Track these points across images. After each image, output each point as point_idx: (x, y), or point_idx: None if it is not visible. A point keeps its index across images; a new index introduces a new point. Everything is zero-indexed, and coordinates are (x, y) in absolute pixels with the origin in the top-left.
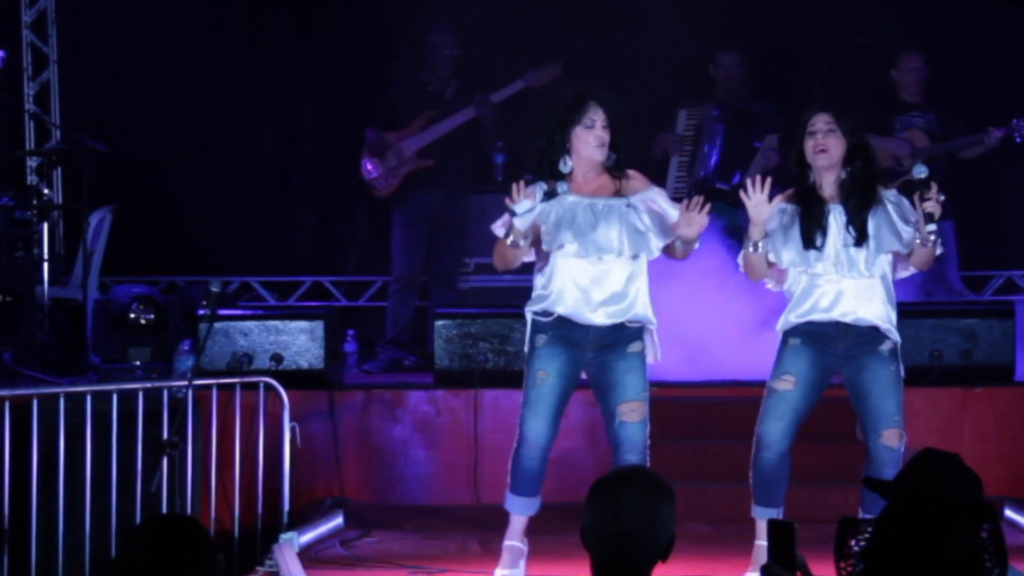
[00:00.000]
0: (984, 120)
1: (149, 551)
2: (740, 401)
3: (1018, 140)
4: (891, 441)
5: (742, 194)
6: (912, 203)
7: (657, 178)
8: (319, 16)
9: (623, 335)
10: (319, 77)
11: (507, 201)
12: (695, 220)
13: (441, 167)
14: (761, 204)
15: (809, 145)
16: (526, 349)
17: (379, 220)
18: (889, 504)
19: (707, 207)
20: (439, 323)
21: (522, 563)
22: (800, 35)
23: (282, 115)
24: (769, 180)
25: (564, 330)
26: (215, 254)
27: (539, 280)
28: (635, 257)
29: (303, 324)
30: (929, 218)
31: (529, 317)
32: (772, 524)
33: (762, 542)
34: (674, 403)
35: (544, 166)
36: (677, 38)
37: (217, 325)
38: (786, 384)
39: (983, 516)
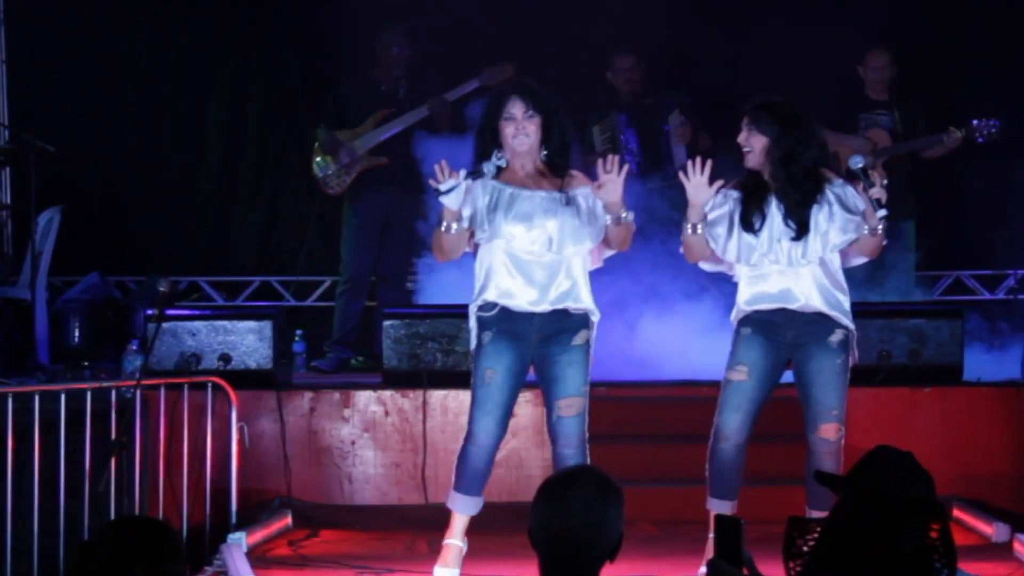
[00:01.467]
0: (948, 120)
1: (115, 550)
2: (689, 401)
3: (979, 140)
4: (828, 434)
5: (681, 175)
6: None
7: None
8: (265, 14)
9: (567, 324)
10: (266, 76)
11: (431, 182)
12: (612, 181)
13: (393, 166)
14: (700, 186)
15: (740, 138)
16: (472, 347)
17: (327, 220)
18: (839, 503)
19: (625, 167)
20: (387, 323)
21: (460, 560)
22: (767, 31)
23: (230, 114)
24: (709, 163)
25: (508, 323)
26: (163, 254)
27: (479, 273)
28: (572, 248)
29: (251, 324)
30: (877, 203)
31: (473, 314)
32: (719, 519)
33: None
34: (623, 403)
35: (481, 158)
36: (632, 37)
37: (165, 325)
38: (740, 375)
39: (933, 516)
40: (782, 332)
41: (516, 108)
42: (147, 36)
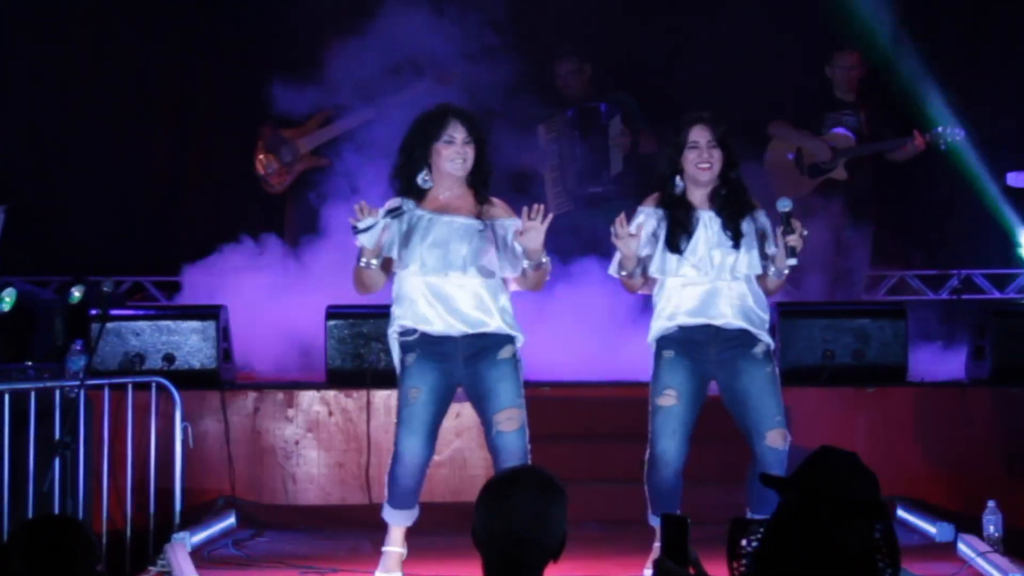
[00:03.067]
0: (912, 123)
1: (29, 550)
2: (631, 401)
3: (942, 147)
4: (776, 442)
5: (613, 235)
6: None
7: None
8: (209, 15)
9: (490, 342)
10: (210, 75)
11: (350, 220)
12: (535, 228)
13: (341, 165)
14: (628, 240)
15: (691, 158)
16: (397, 368)
17: (272, 218)
18: (783, 503)
19: (549, 217)
20: (331, 323)
21: (400, 565)
22: (731, 28)
23: (173, 114)
24: (634, 221)
25: (431, 346)
26: (107, 254)
27: (395, 296)
28: (488, 275)
29: (195, 324)
30: (791, 252)
31: (394, 339)
32: (665, 518)
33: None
34: (566, 403)
35: (403, 181)
36: (578, 38)
37: (109, 325)
38: (670, 399)
39: (876, 516)
40: (705, 350)
41: (458, 132)
42: (92, 36)
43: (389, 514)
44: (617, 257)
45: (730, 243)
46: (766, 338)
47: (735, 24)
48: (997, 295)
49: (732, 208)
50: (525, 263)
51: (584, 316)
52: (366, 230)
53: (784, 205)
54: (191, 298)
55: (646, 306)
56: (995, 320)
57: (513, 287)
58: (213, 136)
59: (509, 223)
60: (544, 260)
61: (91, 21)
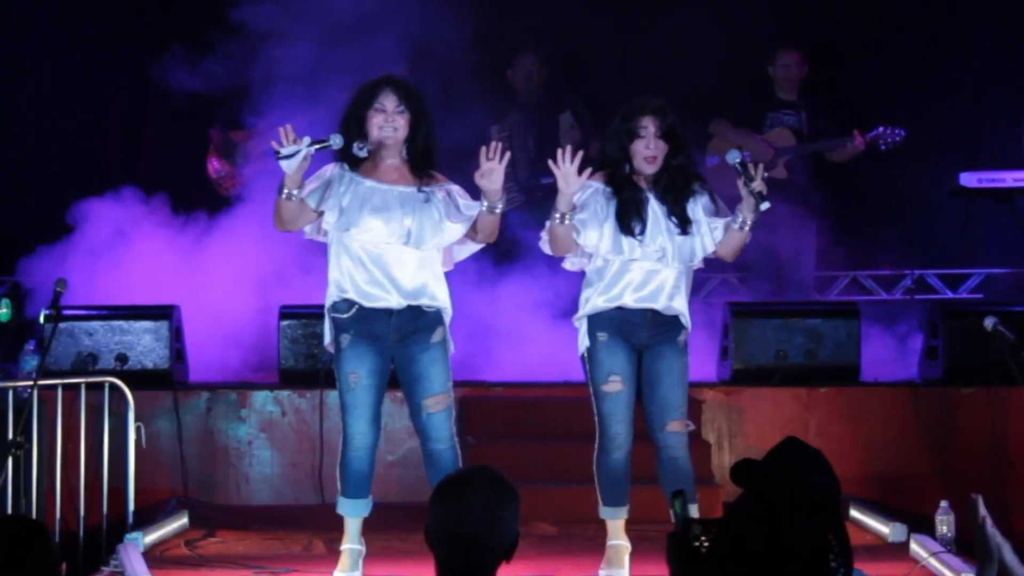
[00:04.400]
0: (854, 123)
1: None
2: (583, 401)
3: (882, 148)
4: (677, 428)
5: (551, 163)
6: (739, 187)
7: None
8: (160, 15)
9: (422, 323)
10: (163, 76)
11: (272, 143)
12: (494, 168)
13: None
14: (570, 176)
15: (639, 147)
16: (331, 349)
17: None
18: (737, 502)
19: (507, 156)
20: (284, 323)
21: (360, 563)
22: (676, 29)
23: (127, 115)
24: (580, 153)
25: (365, 324)
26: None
27: (333, 264)
28: (430, 243)
29: (148, 324)
30: (760, 197)
31: (328, 314)
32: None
33: (615, 542)
34: (517, 403)
35: (344, 149)
36: (533, 38)
37: (62, 325)
38: (616, 385)
39: (829, 517)
40: (638, 333)
41: (388, 100)
42: (49, 37)
43: (344, 506)
44: (553, 218)
45: (677, 229)
46: (688, 324)
47: (679, 23)
48: (950, 295)
49: (675, 192)
50: (484, 204)
51: (536, 313)
52: (288, 156)
53: (734, 157)
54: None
55: None
56: (948, 320)
57: (466, 251)
58: (166, 139)
59: (448, 185)
60: (500, 205)
61: (49, 23)
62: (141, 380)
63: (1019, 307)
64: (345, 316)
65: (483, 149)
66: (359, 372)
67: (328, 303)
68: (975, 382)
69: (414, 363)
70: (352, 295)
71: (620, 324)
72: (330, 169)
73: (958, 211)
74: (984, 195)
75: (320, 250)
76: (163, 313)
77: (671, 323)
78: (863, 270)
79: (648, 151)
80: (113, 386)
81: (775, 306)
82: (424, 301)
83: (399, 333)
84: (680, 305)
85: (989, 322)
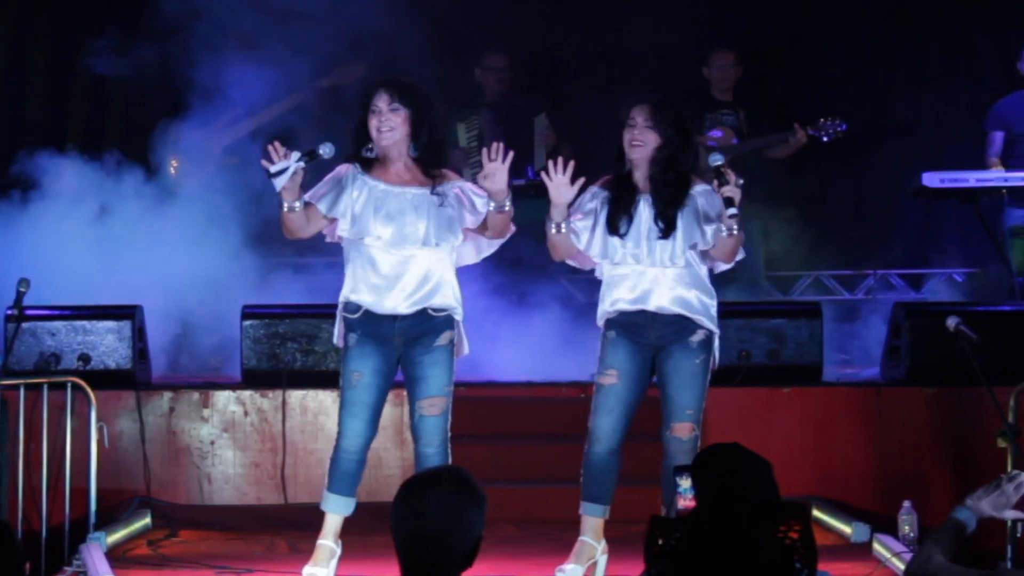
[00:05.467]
0: (792, 120)
1: None
2: (549, 401)
3: (824, 140)
4: (681, 433)
5: (543, 175)
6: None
7: None
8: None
9: (430, 326)
10: (123, 76)
11: (263, 162)
12: (499, 169)
13: (252, 163)
14: (562, 186)
15: (626, 137)
16: (338, 343)
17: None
18: (699, 502)
19: (510, 155)
20: (247, 323)
21: (333, 563)
22: (613, 32)
23: (87, 114)
24: (572, 163)
25: (372, 326)
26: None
27: (347, 269)
28: (439, 246)
29: (110, 324)
30: (729, 202)
31: (339, 312)
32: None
33: (583, 538)
34: (483, 403)
35: (356, 151)
36: (501, 38)
37: (24, 325)
38: (610, 379)
39: (794, 517)
40: (645, 333)
41: (381, 100)
42: (5, 37)
43: (327, 502)
44: (549, 227)
45: (661, 231)
46: (708, 324)
47: (621, 25)
48: (913, 295)
49: (668, 193)
50: (491, 205)
51: (503, 314)
52: (278, 173)
53: (715, 159)
54: None
55: (566, 304)
56: (910, 320)
57: (485, 249)
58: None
59: (458, 182)
60: (507, 203)
61: (6, 24)
62: (104, 380)
63: (981, 307)
64: (353, 316)
65: (484, 151)
66: (362, 371)
67: (341, 299)
68: (938, 382)
69: (415, 365)
70: (361, 298)
71: (628, 325)
72: (343, 171)
73: (921, 211)
74: (947, 195)
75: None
76: (126, 313)
77: (680, 322)
78: (825, 270)
79: (633, 138)
80: (76, 386)
81: (738, 306)
82: (432, 304)
83: (405, 336)
84: (681, 305)
85: (952, 322)
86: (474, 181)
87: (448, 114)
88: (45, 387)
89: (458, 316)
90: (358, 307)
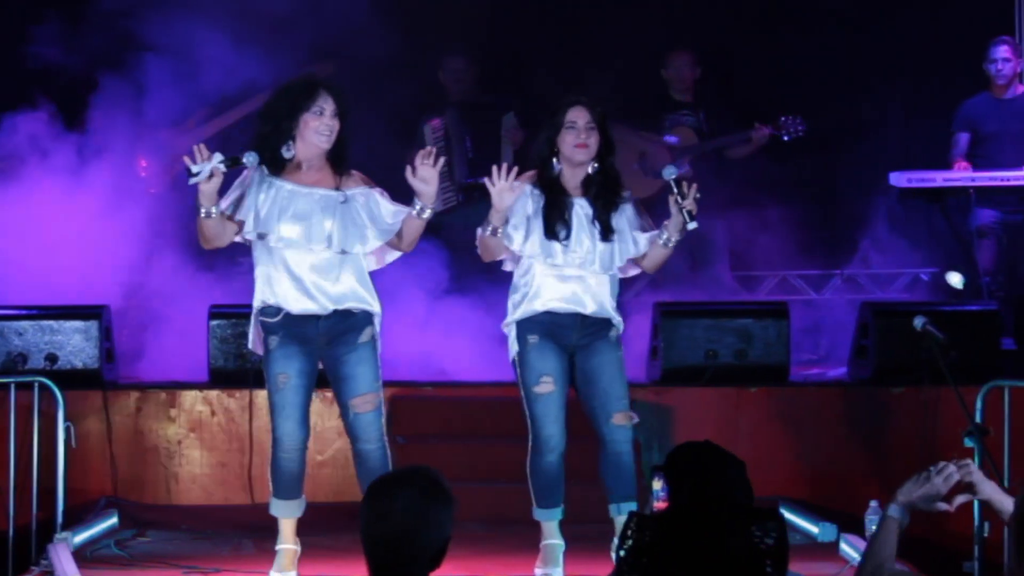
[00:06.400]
0: (752, 120)
1: None
2: (514, 401)
3: (785, 138)
4: (622, 421)
5: (486, 181)
6: (669, 203)
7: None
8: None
9: (351, 323)
10: (89, 75)
11: (185, 159)
12: (430, 171)
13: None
14: (505, 191)
15: (569, 138)
16: (256, 350)
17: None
18: (674, 500)
19: (441, 160)
20: (214, 323)
21: (295, 563)
22: (571, 33)
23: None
24: (515, 170)
25: (294, 327)
26: None
27: (258, 274)
28: (353, 247)
29: (78, 324)
30: (689, 215)
31: (255, 318)
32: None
33: (550, 541)
34: (449, 403)
35: (266, 151)
36: (465, 38)
37: None
38: (548, 386)
39: (770, 522)
40: (568, 334)
41: (328, 104)
42: None
43: (277, 507)
44: (485, 229)
45: (599, 236)
46: (619, 323)
47: (579, 27)
48: (880, 295)
49: (605, 198)
50: (416, 206)
51: (466, 313)
52: (198, 174)
53: (670, 172)
54: None
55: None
56: (877, 320)
57: (390, 257)
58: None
59: (370, 191)
60: (430, 210)
61: None
62: (71, 380)
63: (948, 307)
64: (273, 320)
65: (420, 152)
66: (288, 372)
67: (256, 306)
68: (905, 382)
69: (341, 364)
70: (279, 302)
71: (549, 327)
72: (248, 174)
73: (887, 211)
74: (914, 195)
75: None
76: (93, 313)
77: (601, 323)
78: (792, 270)
79: (579, 140)
80: (43, 386)
81: (705, 306)
82: (351, 304)
83: (328, 335)
84: (608, 308)
85: (919, 322)
86: (439, 177)
87: (415, 116)
88: (12, 387)
89: (376, 316)
90: (278, 310)
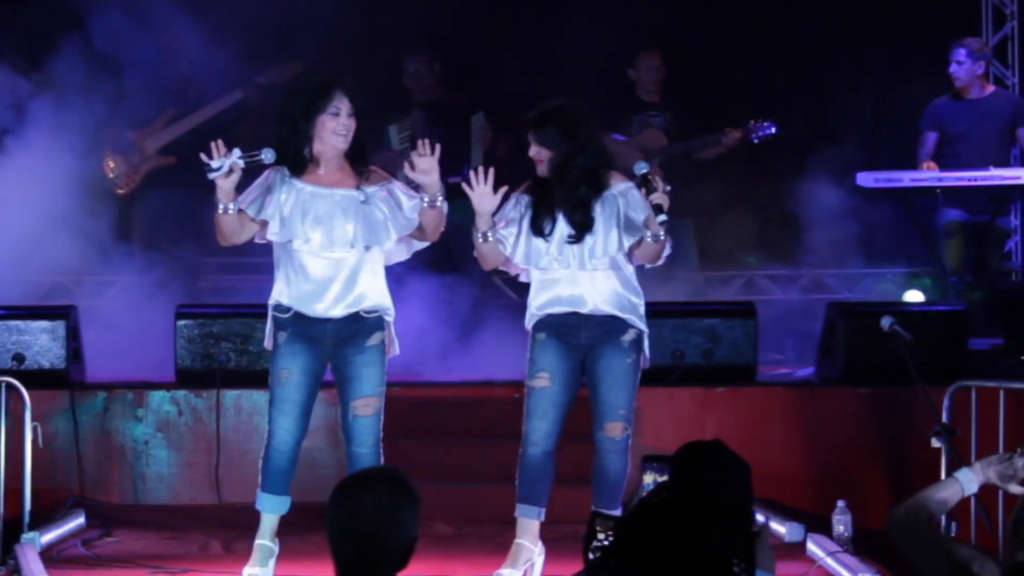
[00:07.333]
0: (720, 121)
1: None
2: (484, 400)
3: (754, 140)
4: (613, 432)
5: (464, 186)
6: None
7: None
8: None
9: (361, 327)
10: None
11: (202, 157)
12: (429, 162)
13: (187, 164)
14: (485, 195)
15: (532, 152)
16: (268, 346)
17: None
18: (646, 499)
19: (438, 149)
20: (181, 323)
21: (271, 563)
22: (539, 33)
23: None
24: (492, 172)
25: (303, 326)
26: None
27: (277, 272)
28: (368, 248)
29: (45, 324)
30: (658, 209)
31: (270, 313)
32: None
33: (519, 540)
34: (417, 403)
35: (289, 153)
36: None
37: None
38: (543, 381)
39: (743, 523)
40: (576, 334)
41: (343, 104)
42: None
43: (262, 501)
44: (475, 237)
45: (576, 231)
46: (638, 324)
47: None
48: (847, 295)
49: (575, 198)
50: (425, 200)
51: (436, 314)
52: (217, 170)
53: (640, 168)
54: None
55: (499, 304)
56: (845, 320)
57: (416, 245)
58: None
59: (388, 184)
60: (439, 198)
61: None
62: (38, 380)
63: (915, 307)
64: (285, 316)
65: (419, 144)
66: (291, 368)
67: (271, 302)
68: (872, 382)
69: (347, 365)
70: (291, 302)
71: (558, 327)
72: (270, 175)
73: (855, 211)
74: (881, 195)
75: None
76: (60, 313)
77: (611, 322)
78: (759, 270)
79: (536, 158)
80: (10, 386)
81: (672, 306)
82: (364, 307)
83: (337, 337)
84: (612, 305)
85: (886, 322)
86: (406, 181)
87: (380, 116)
88: None
89: (389, 317)
90: (289, 308)
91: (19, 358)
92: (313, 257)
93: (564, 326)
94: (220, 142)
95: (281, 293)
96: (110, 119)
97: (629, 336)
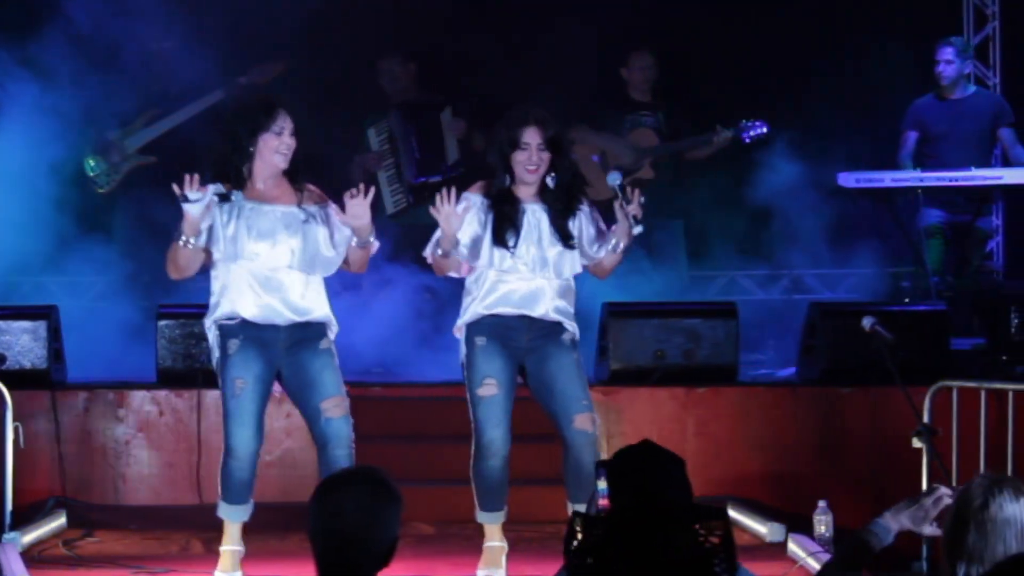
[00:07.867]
0: (711, 121)
1: None
2: (460, 401)
3: (746, 140)
4: (585, 425)
5: (431, 209)
6: (615, 208)
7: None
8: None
9: (310, 332)
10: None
11: (175, 188)
12: (360, 204)
13: (167, 164)
14: (452, 216)
15: (521, 159)
16: (216, 356)
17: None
18: (616, 502)
19: (371, 192)
20: (162, 323)
21: (239, 563)
22: (531, 33)
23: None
24: (453, 190)
25: (255, 331)
26: None
27: (216, 289)
28: (316, 264)
29: (26, 324)
30: (634, 220)
31: (212, 327)
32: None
33: (492, 543)
34: (395, 403)
35: (229, 169)
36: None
37: None
38: (491, 389)
39: (715, 520)
40: (518, 337)
41: (286, 124)
42: None
43: (225, 511)
44: (435, 236)
45: (559, 242)
46: (574, 328)
47: (541, 27)
48: (828, 295)
49: (562, 205)
50: (354, 241)
51: (412, 313)
52: (196, 201)
53: (615, 179)
54: None
55: None
56: (826, 320)
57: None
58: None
59: (327, 210)
60: (372, 239)
61: None
62: (19, 380)
63: (896, 307)
64: (233, 323)
65: (346, 193)
66: (245, 378)
67: (215, 316)
68: (853, 382)
69: (305, 369)
70: (241, 313)
71: (498, 329)
72: (220, 189)
73: (836, 211)
74: (862, 195)
75: None
76: (41, 313)
77: (552, 326)
78: (741, 270)
79: (531, 163)
80: None
81: (653, 306)
82: (311, 317)
83: (287, 342)
84: (559, 312)
85: (867, 322)
86: (388, 179)
87: (359, 118)
88: None
89: (331, 333)
90: (235, 316)
91: (0, 358)
92: (262, 272)
93: (505, 328)
94: (196, 176)
95: (226, 306)
96: (91, 118)
97: (567, 336)
